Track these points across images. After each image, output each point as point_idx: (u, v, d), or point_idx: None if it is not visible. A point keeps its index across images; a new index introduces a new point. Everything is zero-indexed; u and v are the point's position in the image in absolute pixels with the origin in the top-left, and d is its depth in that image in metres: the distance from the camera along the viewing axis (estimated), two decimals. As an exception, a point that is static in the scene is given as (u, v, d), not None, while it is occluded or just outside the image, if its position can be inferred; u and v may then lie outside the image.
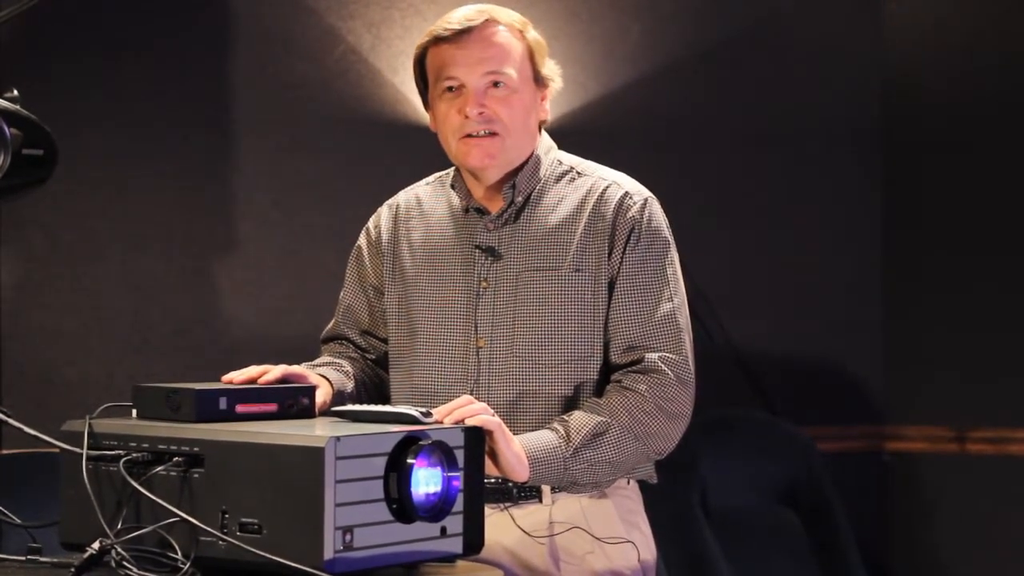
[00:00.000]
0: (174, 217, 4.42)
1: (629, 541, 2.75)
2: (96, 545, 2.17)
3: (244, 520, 2.15)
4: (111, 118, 4.34)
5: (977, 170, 5.15)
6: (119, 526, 2.22)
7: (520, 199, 2.80)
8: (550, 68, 2.84)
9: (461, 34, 2.77)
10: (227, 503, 2.17)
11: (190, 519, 2.16)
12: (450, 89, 2.78)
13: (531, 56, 2.81)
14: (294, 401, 2.46)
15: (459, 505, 2.28)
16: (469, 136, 2.76)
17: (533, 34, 2.83)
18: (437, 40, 2.79)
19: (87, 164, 4.27)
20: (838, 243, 5.33)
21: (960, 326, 5.15)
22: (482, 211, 2.82)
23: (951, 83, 5.23)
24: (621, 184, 2.81)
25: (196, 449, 2.20)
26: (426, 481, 2.23)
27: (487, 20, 2.78)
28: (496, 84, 2.76)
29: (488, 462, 2.44)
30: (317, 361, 2.87)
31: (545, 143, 2.87)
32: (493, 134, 2.75)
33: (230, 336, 4.44)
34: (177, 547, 2.17)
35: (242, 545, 2.13)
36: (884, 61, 5.34)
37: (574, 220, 2.78)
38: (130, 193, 4.38)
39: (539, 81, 2.83)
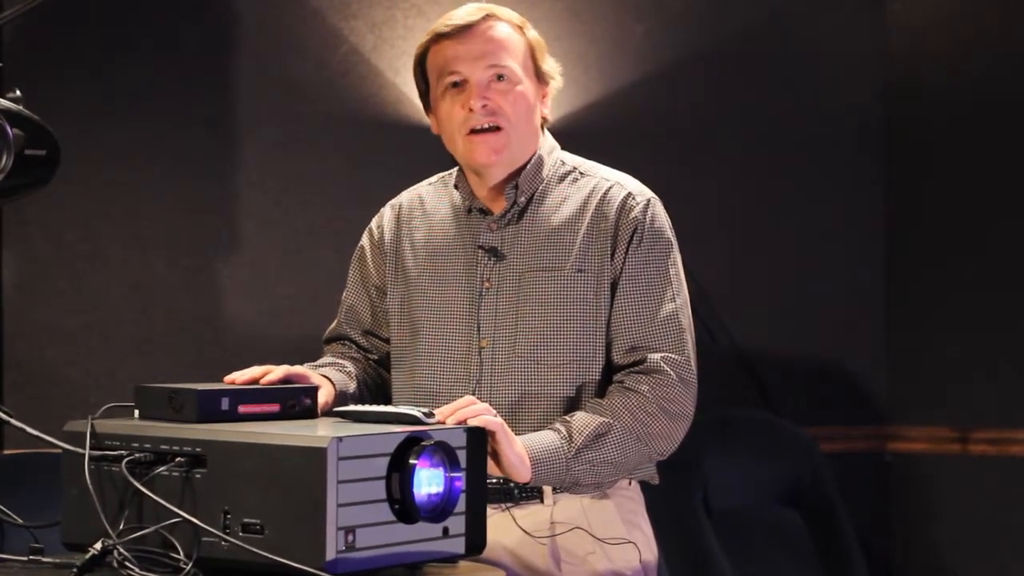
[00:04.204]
0: (176, 217, 4.42)
1: (630, 541, 2.75)
2: (98, 545, 2.17)
3: (246, 520, 2.15)
4: (114, 118, 4.33)
5: (979, 170, 5.15)
6: (121, 526, 2.22)
7: (523, 199, 2.80)
8: (550, 65, 2.85)
9: (462, 30, 2.78)
10: (229, 503, 2.17)
11: (192, 519, 2.16)
12: (454, 85, 2.78)
13: (532, 52, 2.82)
14: (296, 401, 2.46)
15: (461, 506, 2.28)
16: (474, 132, 2.76)
17: (533, 32, 2.84)
18: (438, 38, 2.80)
19: (89, 164, 4.27)
20: (840, 243, 5.32)
21: (962, 326, 5.15)
22: (485, 211, 2.82)
23: (953, 83, 5.23)
24: (624, 185, 2.81)
25: (198, 449, 2.21)
26: (428, 481, 2.23)
27: (487, 16, 2.80)
28: (499, 77, 2.77)
29: (490, 462, 2.44)
30: (319, 361, 2.87)
31: (548, 143, 2.87)
32: (497, 128, 2.76)
33: (232, 336, 4.44)
34: (179, 547, 2.17)
35: (244, 545, 2.13)
36: (886, 61, 5.34)
37: (577, 221, 2.78)
38: (132, 193, 4.37)
39: (540, 78, 2.83)
